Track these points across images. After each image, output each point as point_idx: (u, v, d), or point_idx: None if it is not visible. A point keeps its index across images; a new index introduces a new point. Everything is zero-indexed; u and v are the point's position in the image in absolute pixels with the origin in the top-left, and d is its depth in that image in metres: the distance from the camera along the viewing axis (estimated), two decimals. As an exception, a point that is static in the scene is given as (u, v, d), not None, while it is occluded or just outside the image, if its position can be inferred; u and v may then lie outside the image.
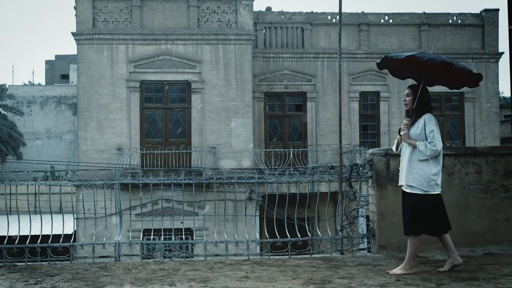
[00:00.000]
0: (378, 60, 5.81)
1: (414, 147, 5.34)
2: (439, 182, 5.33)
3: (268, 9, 23.28)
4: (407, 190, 5.36)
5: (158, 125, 20.25)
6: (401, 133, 5.49)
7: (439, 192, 5.35)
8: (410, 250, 5.33)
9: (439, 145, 5.25)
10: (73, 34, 19.93)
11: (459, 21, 22.93)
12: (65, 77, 45.15)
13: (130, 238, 17.05)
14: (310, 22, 22.13)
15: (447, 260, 5.43)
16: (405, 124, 5.47)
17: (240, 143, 20.22)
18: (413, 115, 5.41)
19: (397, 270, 5.31)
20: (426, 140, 5.28)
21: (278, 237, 7.04)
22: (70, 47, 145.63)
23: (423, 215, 5.28)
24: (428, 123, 5.29)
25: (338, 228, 7.33)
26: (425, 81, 5.45)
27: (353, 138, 21.82)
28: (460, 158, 6.77)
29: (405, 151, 5.43)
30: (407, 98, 5.46)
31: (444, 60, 5.30)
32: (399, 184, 5.51)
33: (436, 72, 5.50)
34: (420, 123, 5.33)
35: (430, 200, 5.28)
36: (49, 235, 7.32)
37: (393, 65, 5.78)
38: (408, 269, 5.29)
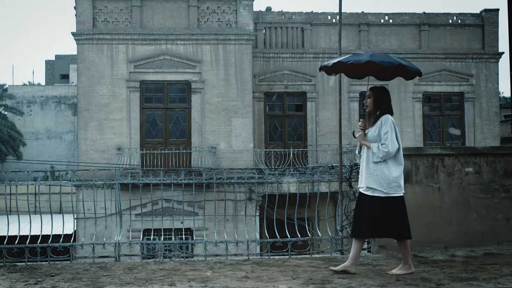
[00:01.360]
0: (329, 63, 5.72)
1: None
2: (402, 183, 5.25)
3: (268, 9, 23.27)
4: (368, 193, 5.26)
5: (158, 125, 20.25)
6: (355, 135, 5.46)
7: (402, 194, 5.26)
8: (402, 253, 5.31)
9: (391, 146, 5.15)
10: (73, 34, 19.93)
11: (459, 21, 22.92)
12: (65, 77, 45.14)
13: (130, 238, 17.04)
14: (310, 22, 22.12)
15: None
16: (360, 126, 5.44)
17: (240, 143, 20.21)
18: (373, 116, 5.37)
19: (396, 271, 5.30)
20: None
21: (278, 237, 7.04)
22: (70, 47, 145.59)
23: (381, 217, 5.19)
24: (384, 124, 5.23)
25: (338, 228, 7.32)
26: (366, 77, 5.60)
27: (353, 138, 21.73)
28: (460, 158, 6.77)
29: (364, 153, 5.36)
30: (368, 100, 5.43)
31: (400, 64, 5.33)
32: (358, 187, 5.42)
33: (383, 70, 5.52)
34: (377, 124, 5.29)
35: (391, 202, 5.19)
36: (49, 235, 7.32)
37: (340, 69, 5.79)
38: (407, 269, 5.27)
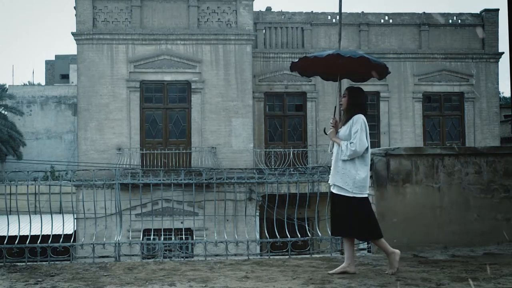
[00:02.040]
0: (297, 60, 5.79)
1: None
2: (367, 185, 5.25)
3: (268, 9, 23.27)
4: (334, 191, 5.30)
5: (158, 125, 20.25)
6: (326, 132, 5.49)
7: (366, 195, 5.25)
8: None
9: (359, 146, 5.17)
10: (73, 34, 19.93)
11: (459, 21, 22.93)
12: (65, 77, 45.15)
13: (130, 238, 17.04)
14: (310, 22, 22.12)
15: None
16: (331, 123, 5.47)
17: (240, 143, 20.21)
18: (346, 115, 5.40)
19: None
20: None
21: (278, 237, 7.04)
22: (70, 47, 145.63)
23: (348, 217, 5.20)
24: (355, 123, 5.25)
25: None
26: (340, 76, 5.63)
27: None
28: (460, 158, 6.77)
29: (334, 150, 5.40)
30: (343, 99, 5.46)
31: (362, 56, 5.35)
32: (328, 183, 5.46)
33: (351, 67, 5.54)
34: (349, 123, 5.32)
35: (355, 202, 5.19)
36: (49, 235, 7.32)
37: (307, 65, 5.78)
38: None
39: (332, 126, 5.45)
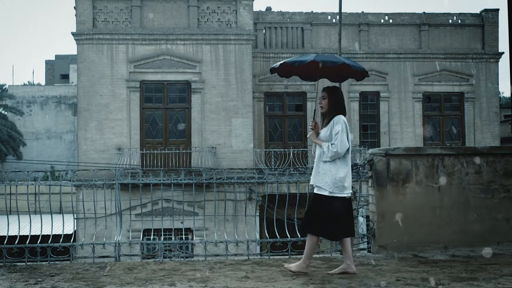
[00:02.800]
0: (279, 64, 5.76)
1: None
2: (347, 184, 5.26)
3: (268, 9, 23.27)
4: (315, 191, 5.33)
5: (158, 125, 20.25)
6: (307, 135, 5.55)
7: (347, 195, 5.26)
8: (306, 250, 5.32)
9: (340, 147, 5.18)
10: (73, 34, 19.93)
11: (459, 21, 22.93)
12: (65, 77, 45.17)
13: (130, 238, 17.05)
14: (310, 22, 22.12)
15: (343, 264, 5.37)
16: (310, 125, 5.50)
17: (240, 143, 20.21)
18: (327, 117, 5.41)
19: (292, 267, 5.31)
20: None
21: (278, 237, 7.04)
22: (70, 47, 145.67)
23: (323, 216, 5.21)
24: (335, 124, 5.28)
25: (338, 228, 7.31)
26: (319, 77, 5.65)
27: (353, 138, 21.81)
28: (460, 158, 6.77)
29: (316, 152, 5.42)
30: (323, 101, 5.46)
31: (343, 63, 5.37)
32: (310, 183, 5.48)
33: (331, 70, 5.55)
34: (330, 125, 5.34)
35: (335, 202, 5.20)
36: (49, 235, 7.31)
37: (287, 69, 5.79)
38: (303, 268, 5.28)
39: (311, 128, 5.48)
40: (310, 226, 5.34)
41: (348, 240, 5.32)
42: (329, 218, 5.20)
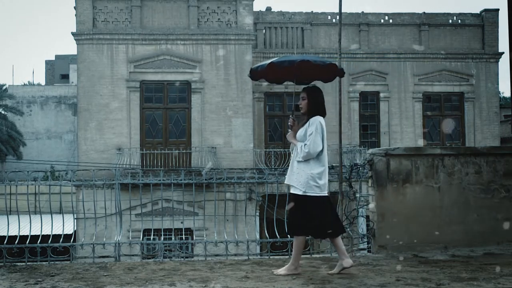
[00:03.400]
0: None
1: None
2: (321, 184, 5.25)
3: (268, 9, 23.27)
4: (291, 190, 5.36)
5: (158, 125, 20.25)
6: (286, 135, 5.58)
7: (320, 194, 5.25)
8: (293, 251, 5.34)
9: (312, 148, 5.20)
10: (73, 34, 19.93)
11: (459, 21, 22.93)
12: (65, 77, 45.18)
13: (130, 238, 17.04)
14: (310, 22, 22.12)
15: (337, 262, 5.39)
16: (290, 123, 5.52)
17: (240, 143, 20.21)
18: (306, 117, 5.43)
19: (281, 271, 5.32)
20: None
21: (278, 237, 7.04)
22: (70, 47, 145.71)
23: (301, 216, 5.24)
24: (310, 125, 5.30)
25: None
26: (297, 81, 5.64)
27: (353, 138, 21.81)
28: (460, 158, 6.77)
29: (293, 151, 5.46)
30: (302, 102, 5.48)
31: (302, 60, 5.41)
32: (285, 182, 5.52)
33: (303, 71, 5.57)
34: (306, 125, 5.36)
35: (309, 201, 5.21)
36: (49, 235, 7.31)
37: (264, 74, 5.82)
38: (292, 270, 5.28)
39: (291, 125, 5.50)
40: (291, 227, 5.40)
41: (337, 238, 5.32)
42: (307, 217, 5.23)
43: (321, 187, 5.26)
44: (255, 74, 5.83)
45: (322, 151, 5.28)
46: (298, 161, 5.30)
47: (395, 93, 22.37)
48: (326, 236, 5.37)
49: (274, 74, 5.85)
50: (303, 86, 5.69)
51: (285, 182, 5.46)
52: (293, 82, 5.88)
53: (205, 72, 20.29)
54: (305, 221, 5.24)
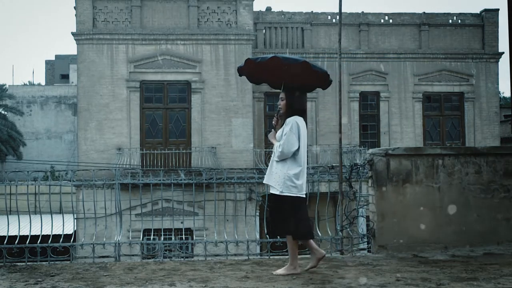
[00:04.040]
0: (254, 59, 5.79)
1: None
2: (298, 184, 5.25)
3: (268, 9, 23.27)
4: (270, 190, 5.38)
5: (158, 125, 20.26)
6: (267, 134, 5.60)
7: (297, 195, 5.24)
8: (289, 251, 5.36)
9: (286, 147, 5.21)
10: (73, 34, 19.93)
11: (459, 21, 22.94)
12: (65, 77, 45.18)
13: (130, 238, 17.05)
14: (310, 22, 22.13)
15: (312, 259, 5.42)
16: (274, 122, 5.55)
17: (240, 143, 20.22)
18: (285, 118, 5.44)
19: (281, 271, 5.32)
20: None
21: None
22: (70, 47, 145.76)
23: (279, 216, 5.27)
24: (286, 125, 5.32)
25: (338, 228, 7.32)
26: (285, 84, 5.51)
27: (353, 138, 21.82)
28: (460, 158, 6.76)
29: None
30: (281, 103, 5.48)
31: (305, 61, 5.35)
32: (263, 182, 5.52)
33: (296, 74, 5.51)
34: (284, 125, 5.39)
35: (286, 201, 5.22)
36: (49, 235, 7.31)
37: (252, 70, 5.85)
38: (291, 270, 5.29)
39: (274, 125, 5.54)
40: (270, 228, 5.44)
41: (309, 241, 5.34)
42: (285, 217, 5.25)
43: (298, 187, 5.26)
44: (247, 67, 5.77)
45: (298, 150, 5.28)
46: (276, 161, 5.33)
47: (395, 93, 22.37)
48: (304, 238, 5.36)
49: (261, 72, 5.80)
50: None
51: (264, 182, 5.47)
52: (275, 84, 5.83)
53: (205, 72, 20.30)
54: (283, 222, 5.26)
